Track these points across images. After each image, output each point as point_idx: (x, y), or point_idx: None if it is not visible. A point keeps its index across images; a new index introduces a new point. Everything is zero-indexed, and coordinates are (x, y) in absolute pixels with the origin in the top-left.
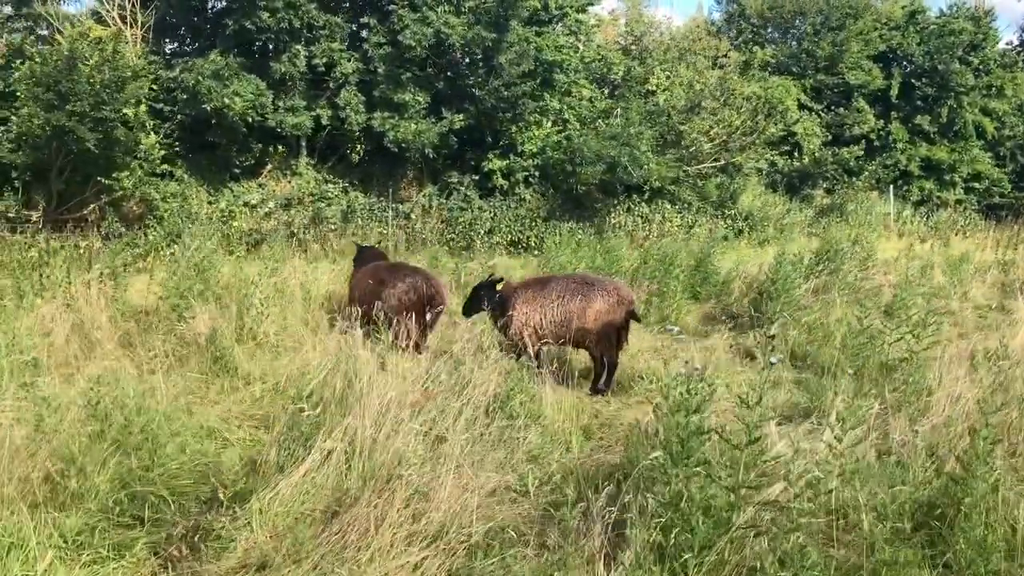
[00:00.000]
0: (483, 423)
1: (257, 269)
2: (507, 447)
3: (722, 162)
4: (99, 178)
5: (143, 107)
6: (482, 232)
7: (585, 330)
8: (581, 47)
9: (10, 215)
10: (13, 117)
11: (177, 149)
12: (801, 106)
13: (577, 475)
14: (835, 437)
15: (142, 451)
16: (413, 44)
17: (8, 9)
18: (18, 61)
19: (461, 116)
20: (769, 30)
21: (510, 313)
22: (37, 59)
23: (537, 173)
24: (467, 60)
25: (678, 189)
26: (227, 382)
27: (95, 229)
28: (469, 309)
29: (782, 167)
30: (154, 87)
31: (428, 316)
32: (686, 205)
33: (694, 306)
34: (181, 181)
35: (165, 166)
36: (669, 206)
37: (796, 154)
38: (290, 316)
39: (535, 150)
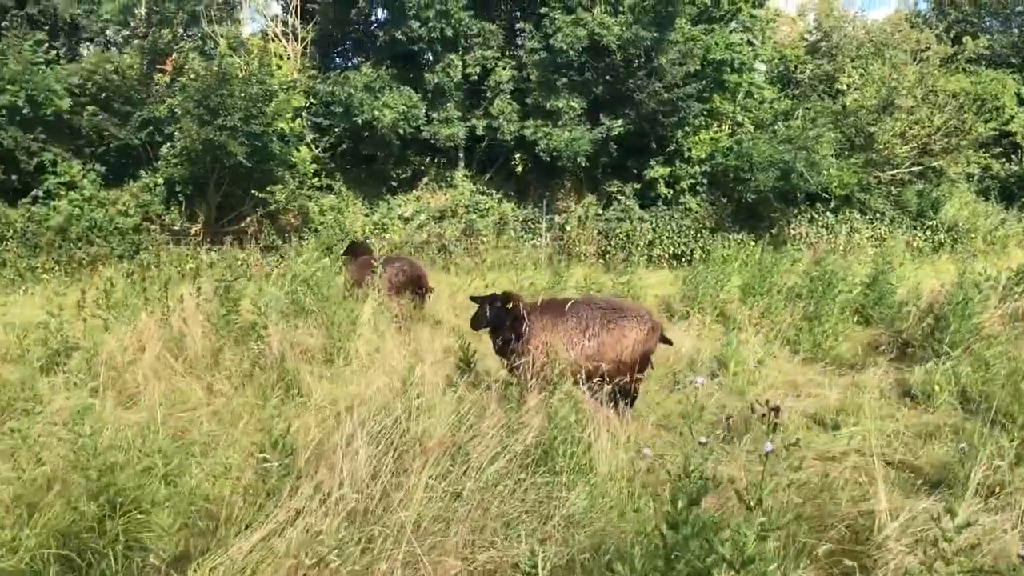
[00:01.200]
0: (517, 477)
1: None
2: (542, 510)
3: (921, 167)
4: (253, 192)
5: (299, 121)
6: (641, 244)
7: (622, 363)
8: (757, 45)
9: (175, 228)
10: (177, 132)
11: (335, 163)
12: (1021, 101)
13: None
14: (955, 527)
15: (101, 497)
16: (565, 48)
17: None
18: (181, 78)
19: (620, 122)
20: (986, 19)
21: (524, 339)
22: (192, 75)
23: (705, 181)
24: (626, 62)
25: (869, 197)
26: (287, 407)
27: (253, 241)
28: (477, 322)
29: (996, 172)
30: (312, 101)
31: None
32: (878, 215)
33: (861, 331)
34: (339, 195)
35: (322, 180)
36: (859, 216)
37: (1014, 156)
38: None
39: (703, 156)
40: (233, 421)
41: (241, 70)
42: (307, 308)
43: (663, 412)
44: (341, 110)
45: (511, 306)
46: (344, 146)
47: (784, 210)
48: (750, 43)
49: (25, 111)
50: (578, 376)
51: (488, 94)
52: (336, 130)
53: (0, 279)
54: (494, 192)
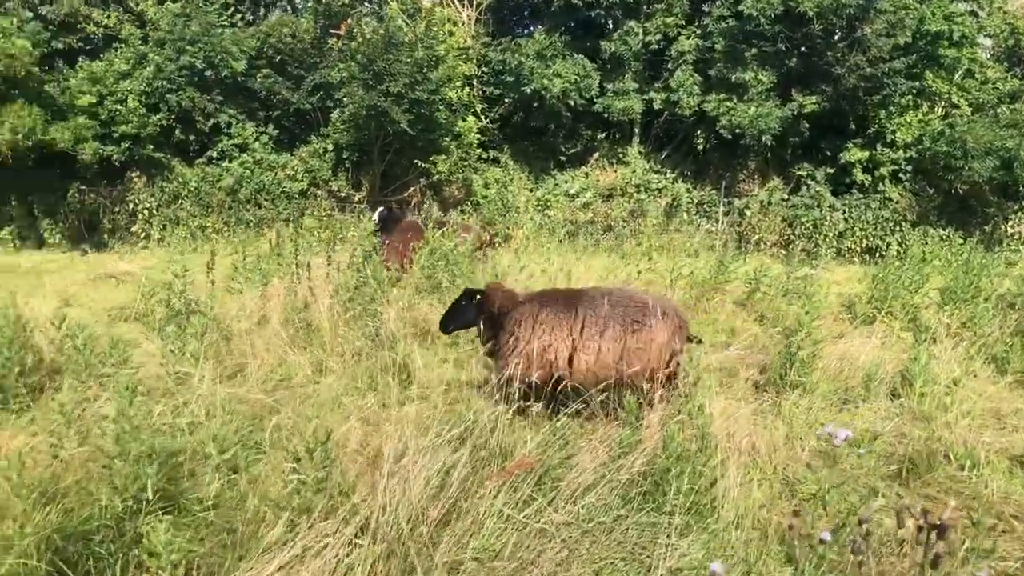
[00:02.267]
0: (616, 513)
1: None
2: (643, 557)
3: None
4: (417, 161)
5: (468, 90)
6: (830, 235)
7: (651, 370)
8: (982, 16)
9: (340, 194)
10: (345, 98)
11: (503, 135)
12: None
13: None
14: None
15: (131, 489)
16: (756, 15)
17: None
18: (353, 43)
19: (814, 98)
20: None
21: (510, 332)
22: (361, 39)
23: (910, 168)
24: (825, 32)
25: None
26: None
27: (416, 211)
28: (446, 322)
29: None
30: (483, 69)
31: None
32: None
33: None
34: (505, 168)
35: (488, 152)
36: None
37: None
38: None
39: (909, 140)
40: (332, 405)
41: (408, 35)
42: (441, 285)
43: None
44: (511, 79)
45: (476, 301)
46: (515, 118)
47: (1001, 204)
48: (974, 13)
49: (206, 72)
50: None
51: (669, 65)
52: (506, 100)
53: (174, 236)
54: (669, 171)
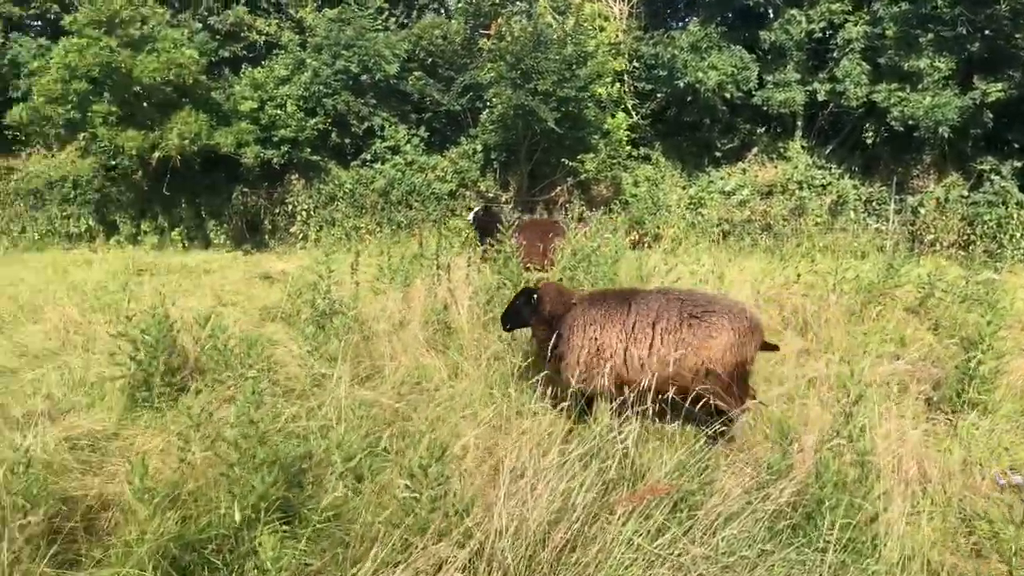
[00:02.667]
0: (761, 547)
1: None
2: None
3: None
4: (564, 159)
5: (618, 86)
6: (1016, 235)
7: (710, 373)
8: None
9: (488, 195)
10: (494, 98)
11: (654, 131)
12: None
13: None
14: None
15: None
16: None
17: None
18: (502, 42)
19: (1000, 86)
20: None
21: (564, 336)
22: (508, 38)
23: None
24: (1013, 13)
25: None
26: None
27: (564, 212)
28: (506, 319)
29: None
30: (635, 64)
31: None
32: None
33: None
34: (656, 165)
35: (639, 149)
36: None
37: None
38: None
39: None
40: (464, 411)
41: (557, 32)
42: (582, 286)
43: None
44: (664, 73)
45: (532, 299)
46: (668, 113)
47: None
48: None
49: (360, 76)
50: (633, 389)
51: (834, 54)
52: (658, 95)
53: (329, 236)
54: (834, 167)
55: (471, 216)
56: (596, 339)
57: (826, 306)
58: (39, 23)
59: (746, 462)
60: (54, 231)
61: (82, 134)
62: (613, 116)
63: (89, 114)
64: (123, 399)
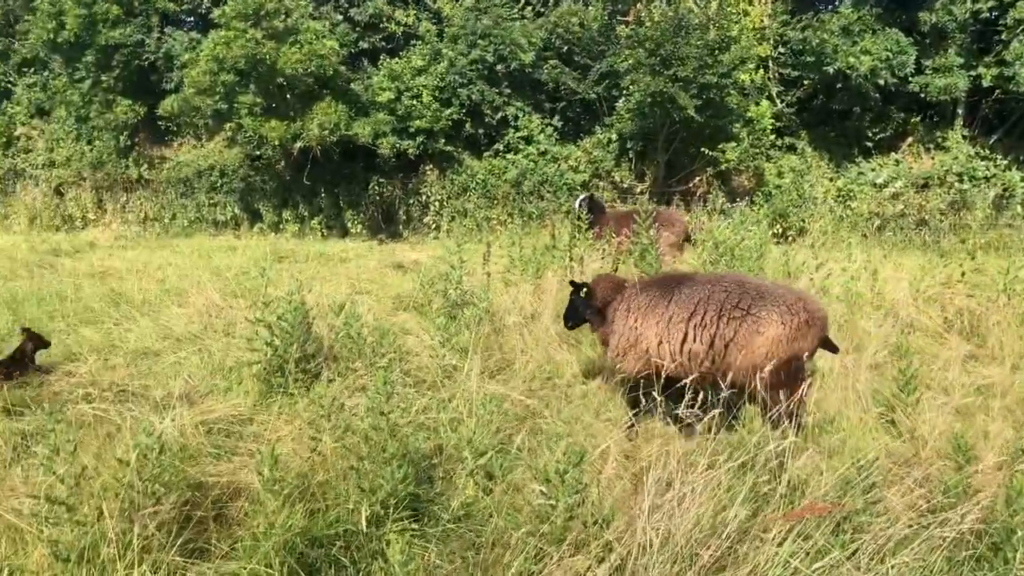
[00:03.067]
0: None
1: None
2: None
3: None
4: (704, 149)
5: (762, 72)
6: None
7: (753, 367)
8: None
9: (623, 185)
10: (631, 85)
11: (800, 119)
12: None
13: None
14: None
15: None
16: None
17: None
18: (641, 29)
19: None
20: None
21: (611, 326)
22: (647, 24)
23: None
24: None
25: None
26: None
27: (702, 203)
28: (567, 317)
29: None
30: (781, 50)
31: None
32: None
33: None
34: (802, 155)
35: (783, 139)
36: None
37: None
38: None
39: None
40: (598, 409)
41: (699, 16)
42: None
43: None
44: (812, 59)
45: (584, 292)
46: (815, 101)
47: None
48: None
49: (495, 66)
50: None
51: (1003, 36)
52: (805, 82)
53: (461, 227)
54: (999, 157)
55: (578, 202)
56: (636, 328)
57: (996, 308)
58: (192, 18)
59: (917, 481)
60: (202, 218)
61: (229, 125)
62: (757, 104)
63: (235, 105)
64: (258, 384)
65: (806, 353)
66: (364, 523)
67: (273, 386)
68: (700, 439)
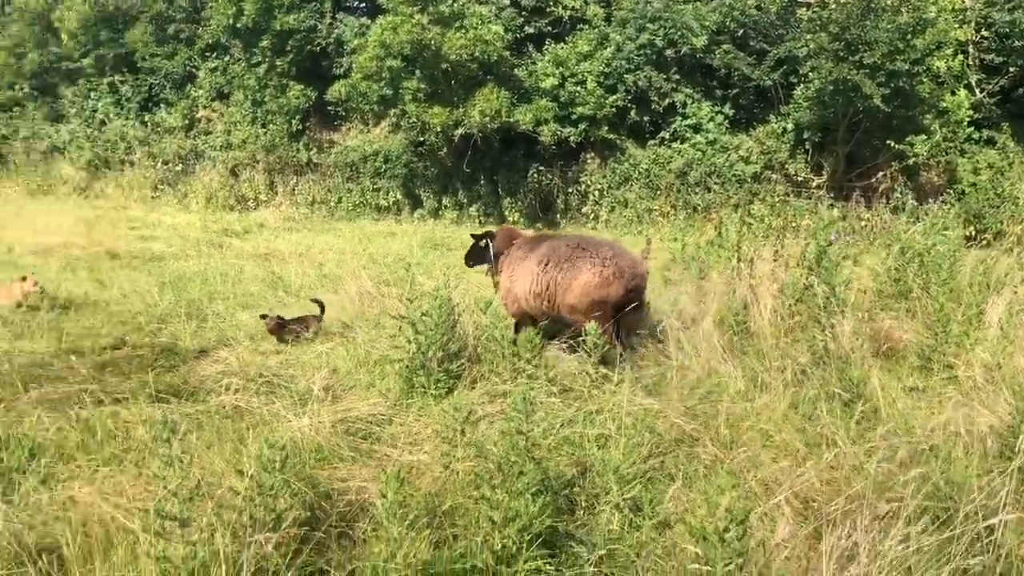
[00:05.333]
0: None
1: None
2: None
3: None
4: (889, 142)
5: (960, 59)
6: None
7: (572, 307)
8: None
9: (798, 178)
10: (810, 72)
11: (1004, 111)
12: None
13: None
14: None
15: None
16: None
17: None
18: (824, 11)
19: None
20: None
21: (498, 275)
22: (832, 6)
23: None
24: None
25: None
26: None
27: (884, 200)
28: (467, 258)
29: None
30: (984, 34)
31: None
32: None
33: None
34: (1002, 150)
35: (981, 132)
36: None
37: None
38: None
39: None
40: (766, 434)
41: None
42: (910, 292)
43: None
44: (1020, 43)
45: (484, 243)
46: (1020, 90)
47: None
48: None
49: (665, 51)
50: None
51: None
52: (1011, 69)
53: (621, 218)
54: None
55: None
56: (511, 276)
57: None
58: (363, 3)
59: None
60: (365, 203)
61: (393, 110)
62: (953, 93)
63: (400, 91)
64: (400, 382)
65: (615, 300)
66: (492, 560)
67: (414, 385)
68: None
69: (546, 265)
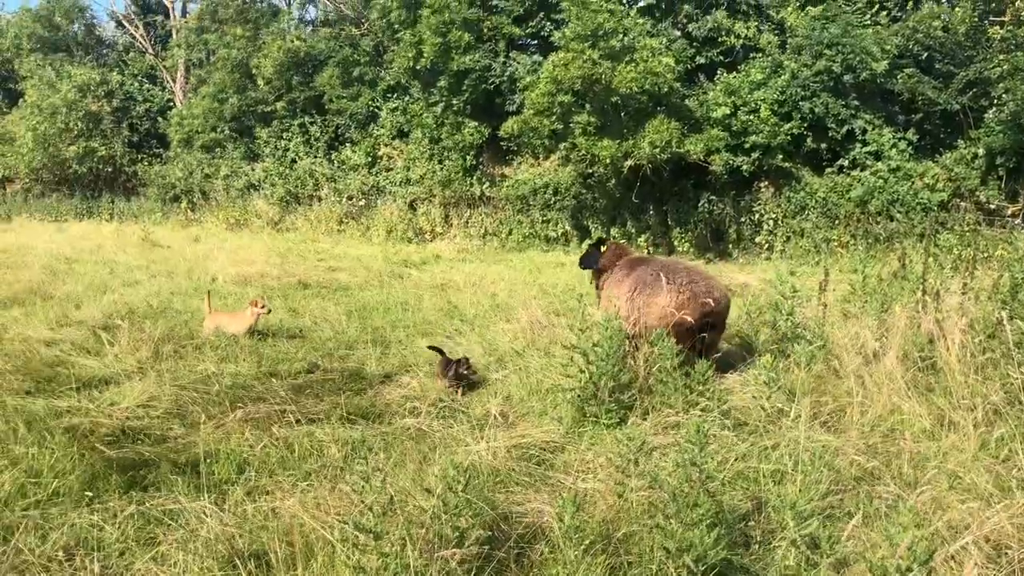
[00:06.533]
0: None
1: None
2: None
3: None
4: None
5: None
6: None
7: (652, 330)
8: None
9: (990, 206)
10: (1004, 94)
11: None
12: None
13: None
14: None
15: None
16: None
17: None
18: (1018, 30)
19: None
20: None
21: (600, 291)
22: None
23: None
24: None
25: None
26: None
27: None
28: (582, 260)
29: None
30: None
31: None
32: None
33: None
34: None
35: None
36: None
37: None
38: None
39: None
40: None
41: None
42: None
43: None
44: None
45: (603, 249)
46: None
47: None
48: None
49: (843, 76)
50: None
51: None
52: None
53: (796, 248)
54: None
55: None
56: (610, 295)
57: None
58: (535, 41)
59: None
60: (535, 234)
61: (563, 144)
62: None
63: (571, 124)
64: (572, 411)
65: (690, 325)
66: None
67: (586, 414)
68: None
69: (634, 291)
